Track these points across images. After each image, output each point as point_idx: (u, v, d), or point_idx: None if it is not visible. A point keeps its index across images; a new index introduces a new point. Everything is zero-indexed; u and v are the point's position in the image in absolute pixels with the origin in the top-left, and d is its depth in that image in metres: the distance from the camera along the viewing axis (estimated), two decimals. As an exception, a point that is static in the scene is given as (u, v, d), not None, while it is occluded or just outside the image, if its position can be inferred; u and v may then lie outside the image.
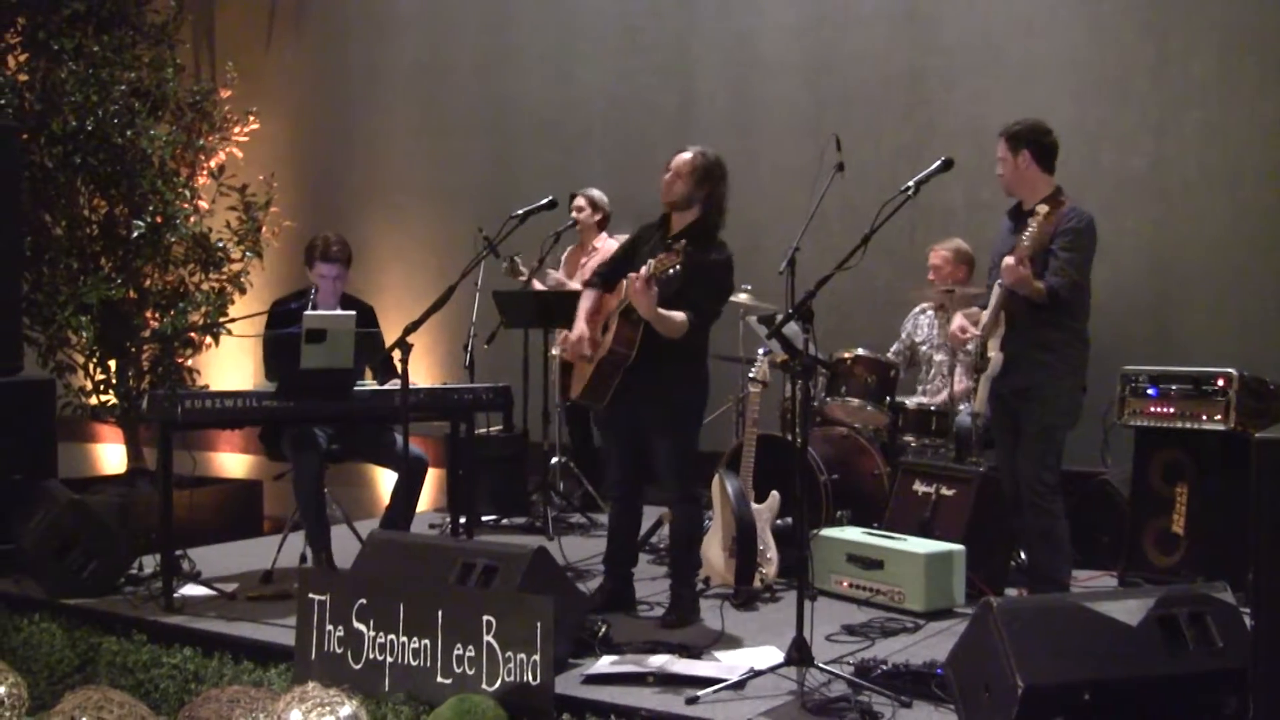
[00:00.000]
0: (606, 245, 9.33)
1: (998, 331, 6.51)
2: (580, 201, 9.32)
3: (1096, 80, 8.99)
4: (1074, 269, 6.37)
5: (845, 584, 7.02)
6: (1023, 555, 7.26)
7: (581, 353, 6.60)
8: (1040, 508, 6.52)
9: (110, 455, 13.39)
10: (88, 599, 7.00)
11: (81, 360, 10.71)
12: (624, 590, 6.89)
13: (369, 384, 7.36)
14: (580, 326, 6.64)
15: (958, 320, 6.83)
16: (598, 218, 9.37)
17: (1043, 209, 6.27)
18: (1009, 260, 6.23)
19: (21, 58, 10.49)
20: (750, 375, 7.27)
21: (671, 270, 6.04)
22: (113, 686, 5.91)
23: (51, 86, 10.12)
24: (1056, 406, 6.53)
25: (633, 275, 6.17)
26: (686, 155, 6.51)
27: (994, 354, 6.52)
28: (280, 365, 7.02)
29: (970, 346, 6.84)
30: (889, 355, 8.50)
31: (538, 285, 9.31)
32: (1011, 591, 6.99)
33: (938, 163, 6.03)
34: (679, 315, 6.26)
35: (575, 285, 9.17)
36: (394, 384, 7.03)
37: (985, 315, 6.59)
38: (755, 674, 5.39)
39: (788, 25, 10.29)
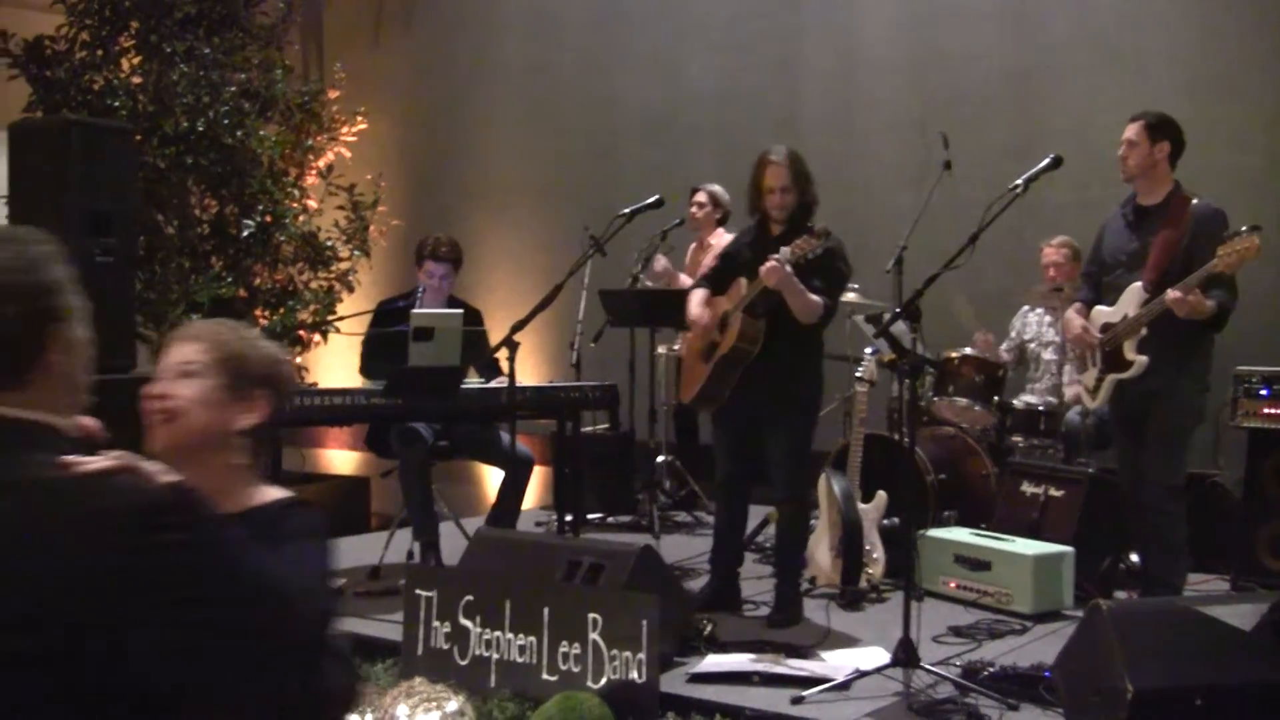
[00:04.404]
0: (723, 242, 9.28)
1: (1137, 334, 6.39)
2: (701, 197, 9.24)
3: (1209, 77, 8.86)
4: (1233, 278, 6.21)
5: (952, 585, 6.98)
6: (1133, 557, 7.18)
7: (703, 326, 6.62)
8: (1162, 510, 6.41)
9: (221, 452, 13.55)
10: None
11: (193, 358, 10.84)
12: (730, 588, 6.88)
13: (474, 383, 7.39)
14: (696, 311, 6.68)
15: (1078, 322, 6.70)
16: (718, 214, 9.28)
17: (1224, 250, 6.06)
18: (1177, 294, 6.06)
19: (135, 60, 10.65)
20: (858, 374, 7.23)
21: (813, 253, 6.08)
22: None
23: (164, 89, 10.26)
24: (1186, 407, 6.40)
25: (773, 259, 6.15)
26: (781, 167, 6.50)
27: (1134, 356, 6.38)
28: (381, 364, 7.09)
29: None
30: (1000, 352, 8.43)
31: (650, 282, 9.30)
32: (1121, 594, 6.92)
33: (1046, 160, 5.95)
34: (815, 297, 6.27)
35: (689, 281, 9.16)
36: (500, 381, 7.07)
37: (1118, 316, 6.47)
38: (861, 674, 5.38)
39: (894, 22, 10.23)
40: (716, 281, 6.77)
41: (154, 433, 2.74)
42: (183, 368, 2.77)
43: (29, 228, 2.38)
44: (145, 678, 2.15)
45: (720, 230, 9.29)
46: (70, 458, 2.21)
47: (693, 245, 9.48)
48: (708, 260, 8.92)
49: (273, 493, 2.80)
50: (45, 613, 2.10)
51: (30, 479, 2.18)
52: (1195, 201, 6.36)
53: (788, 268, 6.11)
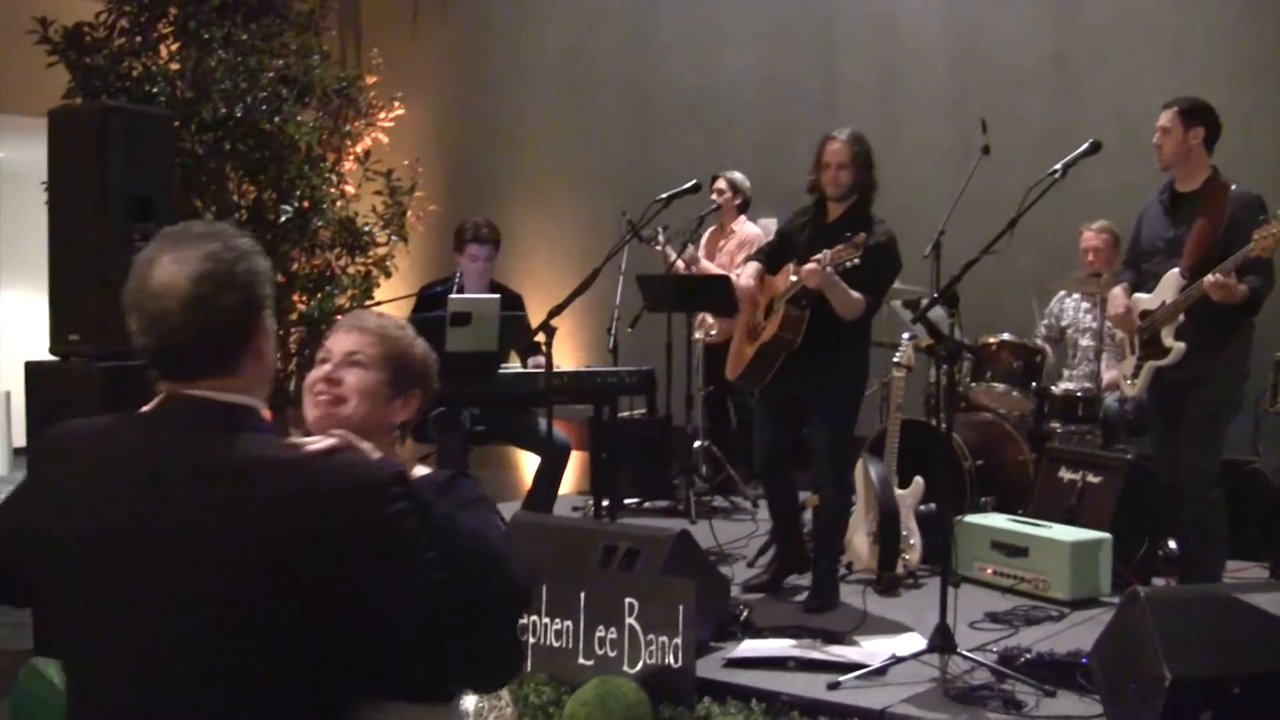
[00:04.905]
0: (745, 229, 9.32)
1: (1175, 321, 6.35)
2: (721, 184, 9.30)
3: (1249, 60, 8.80)
4: (1268, 262, 6.16)
5: (989, 571, 6.96)
6: (1171, 544, 7.15)
7: (749, 294, 6.66)
8: (1199, 497, 6.37)
9: (259, 436, 13.58)
10: None
11: (231, 342, 10.89)
12: (795, 554, 6.91)
13: (514, 367, 7.40)
14: (746, 282, 6.70)
15: (1121, 302, 6.66)
16: (738, 200, 9.33)
17: (1259, 235, 6.02)
18: (1217, 278, 6.03)
19: (173, 47, 10.69)
20: (895, 360, 7.21)
21: (849, 264, 6.05)
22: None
23: (202, 75, 10.30)
24: (1225, 394, 6.37)
25: (815, 260, 6.15)
26: (842, 145, 6.46)
27: (1171, 342, 6.35)
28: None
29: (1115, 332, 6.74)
30: (1035, 339, 8.39)
31: (683, 265, 9.29)
32: (1159, 581, 6.89)
33: (1085, 145, 5.92)
34: (856, 294, 6.26)
35: (712, 267, 9.16)
36: (537, 361, 7.07)
37: (1156, 303, 6.43)
38: (897, 660, 5.37)
39: (933, 8, 10.20)
40: (771, 259, 6.78)
41: (316, 413, 2.88)
42: (351, 357, 2.92)
43: (223, 223, 2.57)
44: (381, 635, 2.42)
45: (742, 217, 9.37)
46: (298, 438, 2.49)
47: (711, 229, 9.49)
48: (730, 246, 9.01)
49: (422, 470, 2.97)
50: (295, 581, 2.33)
51: (267, 458, 2.40)
52: (1234, 188, 6.31)
53: (829, 269, 6.10)
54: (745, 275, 6.73)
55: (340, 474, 2.40)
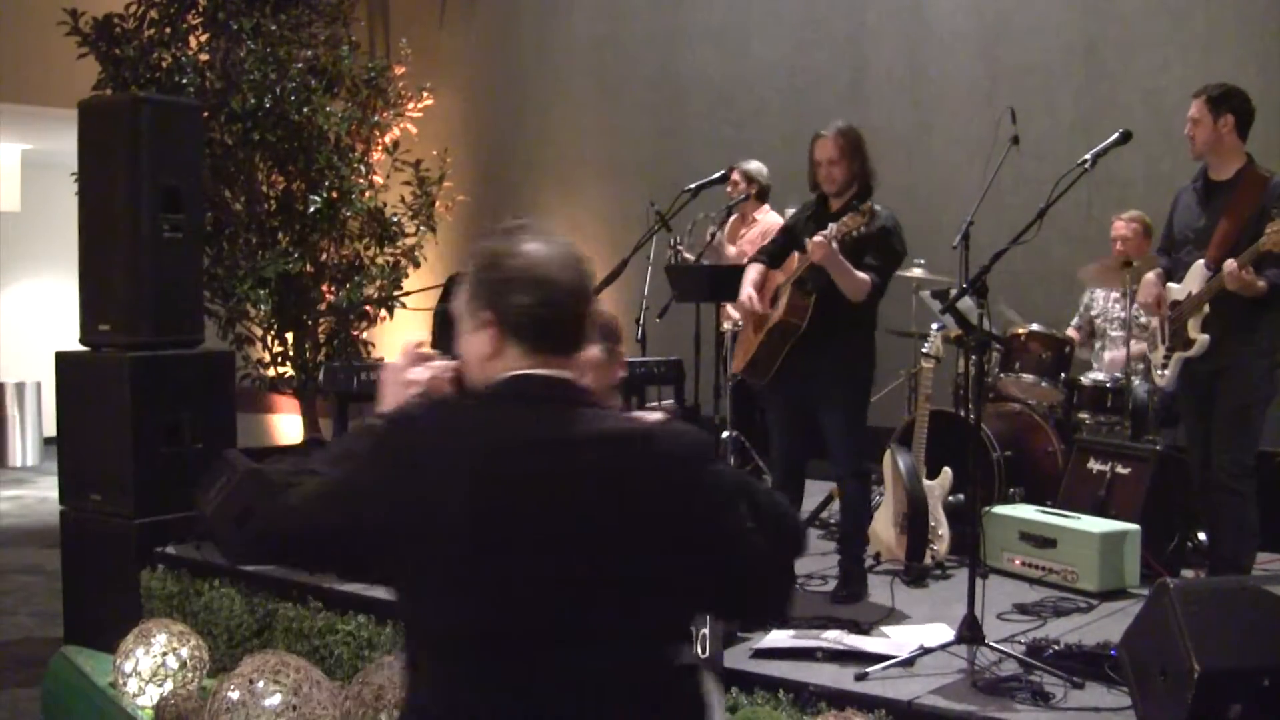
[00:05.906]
0: (767, 218, 9.31)
1: (1200, 312, 6.32)
2: (735, 176, 9.25)
3: (1281, 48, 8.77)
4: None
5: (1017, 562, 6.94)
6: (1201, 536, 7.12)
7: (750, 310, 6.60)
8: (1232, 489, 6.33)
9: (287, 426, 13.64)
10: (265, 566, 7.13)
11: (260, 333, 10.94)
12: None
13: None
14: (747, 289, 6.65)
15: (1153, 291, 6.64)
16: (754, 191, 9.34)
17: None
18: (1232, 265, 6.01)
19: (203, 38, 10.73)
20: (923, 350, 7.19)
21: (857, 232, 6.04)
22: (289, 651, 6.02)
23: (231, 65, 10.33)
24: (1256, 384, 6.32)
25: (821, 235, 6.13)
26: (829, 140, 6.44)
27: (1197, 334, 6.32)
28: (452, 339, 7.10)
29: (1145, 319, 6.72)
30: (1070, 330, 8.36)
31: (731, 250, 9.29)
32: (1188, 573, 6.87)
33: (1115, 135, 5.88)
34: (863, 274, 6.24)
35: (732, 251, 9.16)
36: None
37: (1184, 294, 6.41)
38: (925, 651, 5.36)
39: (962, -4, 10.19)
40: (775, 255, 6.76)
41: None
42: None
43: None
44: (703, 580, 2.69)
45: (765, 206, 9.35)
46: (633, 412, 2.88)
47: (733, 218, 9.49)
48: (751, 234, 9.01)
49: None
50: (653, 535, 2.61)
51: (625, 429, 2.73)
52: (1273, 179, 6.26)
53: (834, 245, 6.09)
54: (745, 282, 6.70)
55: (682, 438, 2.70)
